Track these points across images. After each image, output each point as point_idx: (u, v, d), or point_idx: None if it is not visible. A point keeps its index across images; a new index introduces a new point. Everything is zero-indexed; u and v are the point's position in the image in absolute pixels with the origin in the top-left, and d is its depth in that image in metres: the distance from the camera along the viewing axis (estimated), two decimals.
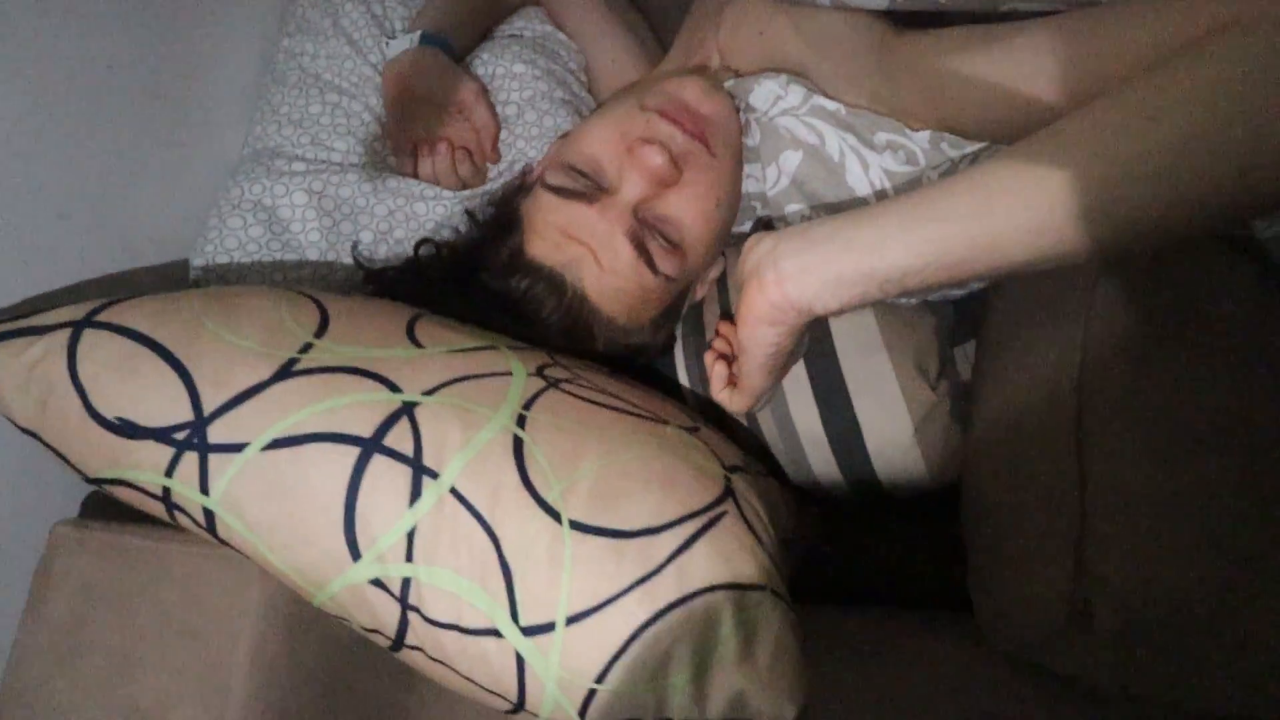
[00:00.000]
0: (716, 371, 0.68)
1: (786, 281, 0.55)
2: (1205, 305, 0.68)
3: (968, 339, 0.82)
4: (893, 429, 0.74)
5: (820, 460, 0.75)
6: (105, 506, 0.60)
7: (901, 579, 0.82)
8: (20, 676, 0.55)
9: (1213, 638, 0.59)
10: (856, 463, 0.75)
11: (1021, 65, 0.59)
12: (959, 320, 0.82)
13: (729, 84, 0.75)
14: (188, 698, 0.55)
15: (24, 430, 0.54)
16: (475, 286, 0.68)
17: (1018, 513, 0.67)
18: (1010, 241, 0.51)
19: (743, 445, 0.75)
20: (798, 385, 0.73)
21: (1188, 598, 0.59)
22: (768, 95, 0.71)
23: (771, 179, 0.71)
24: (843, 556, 0.82)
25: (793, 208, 0.71)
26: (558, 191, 0.68)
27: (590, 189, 0.68)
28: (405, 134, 0.84)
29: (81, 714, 0.55)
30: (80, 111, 0.65)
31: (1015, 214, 0.51)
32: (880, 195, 0.66)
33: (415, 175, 0.83)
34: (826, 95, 0.69)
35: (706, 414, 0.73)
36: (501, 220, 0.71)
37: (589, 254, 0.67)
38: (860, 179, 0.67)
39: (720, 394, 0.68)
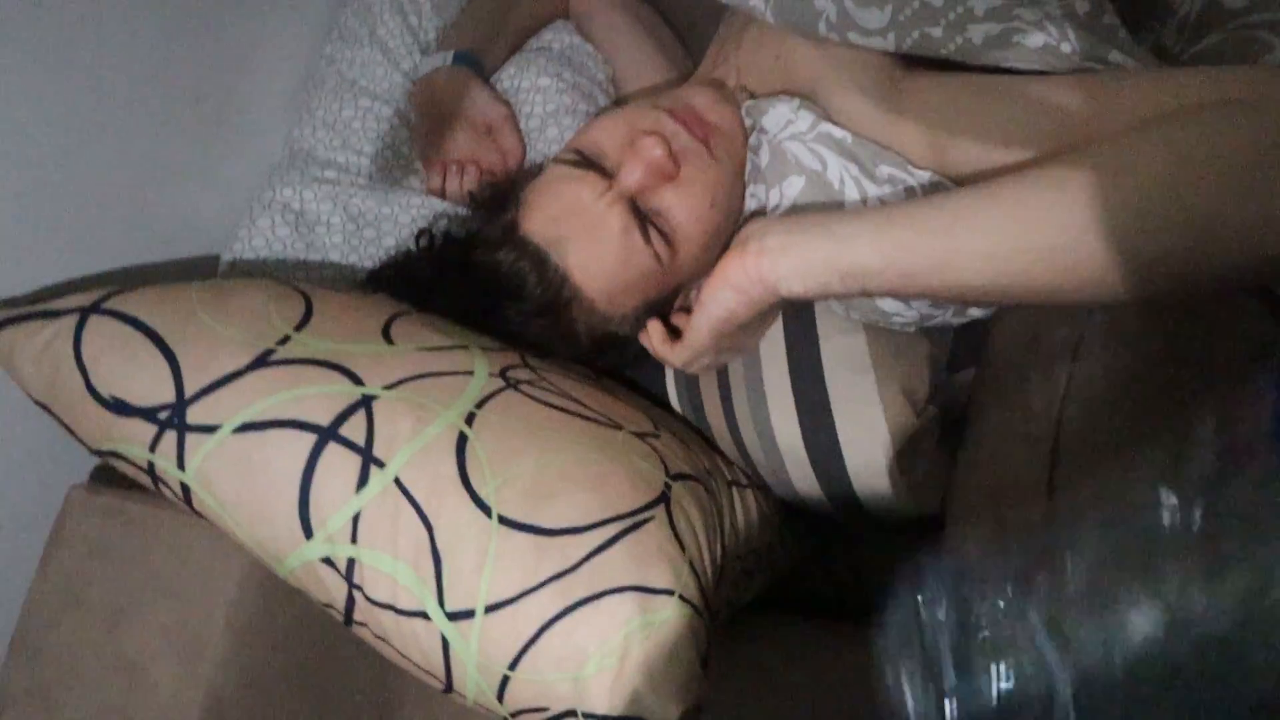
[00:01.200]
0: (653, 326, 0.70)
1: (765, 255, 0.57)
2: (1204, 347, 0.65)
3: (968, 367, 0.80)
4: (871, 448, 0.73)
5: (800, 475, 0.76)
6: (114, 474, 0.66)
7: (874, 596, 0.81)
8: (29, 621, 0.62)
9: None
10: (835, 478, 0.75)
11: (1024, 123, 0.59)
12: (960, 349, 0.80)
13: (746, 104, 0.76)
14: (169, 653, 0.61)
15: (38, 403, 0.61)
16: (463, 266, 0.71)
17: (984, 522, 0.66)
18: (962, 263, 0.53)
19: (727, 456, 0.77)
20: (781, 397, 0.74)
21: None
22: (779, 118, 0.71)
23: (774, 201, 0.72)
24: (831, 571, 0.82)
25: None
26: (559, 163, 0.71)
27: (591, 172, 0.70)
28: (435, 149, 0.88)
29: (77, 660, 0.61)
30: (127, 107, 0.71)
31: (972, 238, 0.53)
32: None
33: (441, 193, 0.87)
34: (835, 123, 0.69)
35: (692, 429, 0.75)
36: (501, 198, 0.75)
37: (579, 231, 0.68)
38: (856, 206, 0.67)
39: (660, 347, 0.70)
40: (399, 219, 0.85)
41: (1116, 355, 0.66)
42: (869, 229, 0.56)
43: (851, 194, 0.67)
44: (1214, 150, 0.46)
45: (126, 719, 0.59)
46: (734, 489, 0.71)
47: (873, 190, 0.67)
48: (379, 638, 0.57)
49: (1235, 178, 0.46)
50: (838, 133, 0.68)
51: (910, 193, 0.66)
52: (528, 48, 0.96)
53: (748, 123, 0.75)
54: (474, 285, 0.70)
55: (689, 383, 0.76)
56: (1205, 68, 0.55)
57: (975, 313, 0.76)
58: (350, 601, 0.56)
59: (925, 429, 0.74)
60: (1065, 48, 0.58)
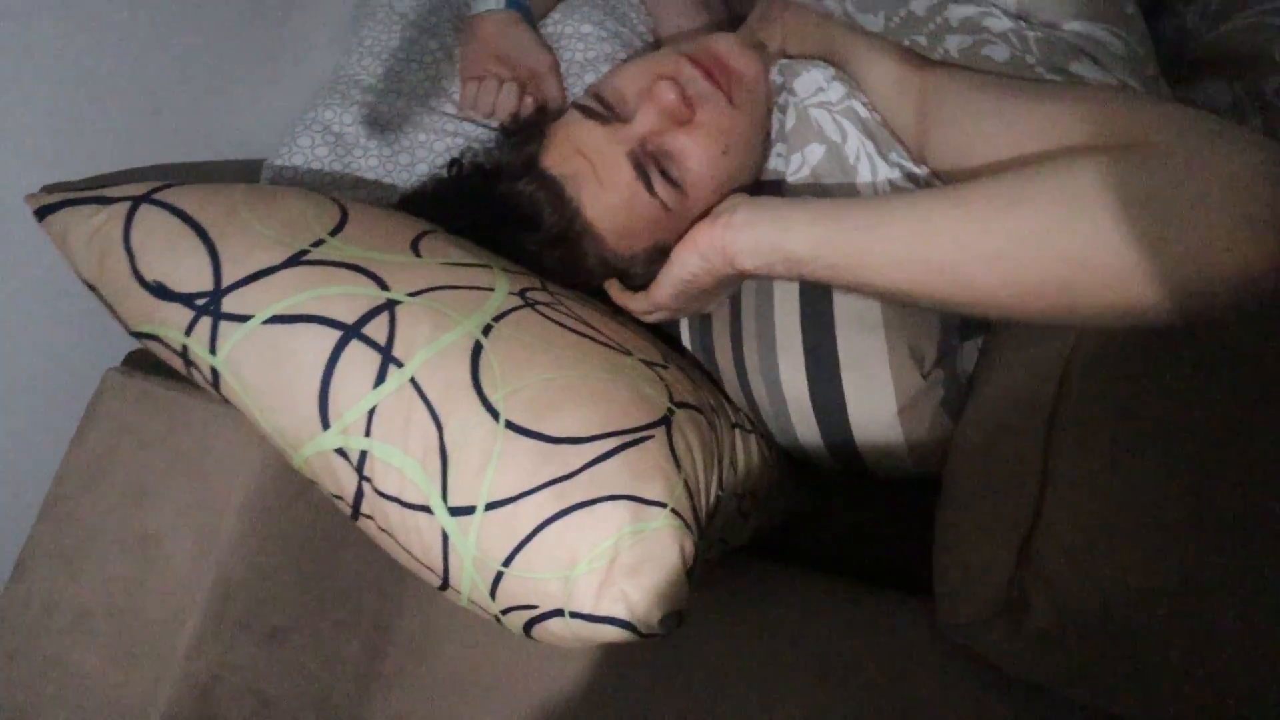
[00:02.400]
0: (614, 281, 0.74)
1: (730, 229, 0.59)
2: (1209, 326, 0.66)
3: (979, 334, 0.82)
4: (876, 406, 0.75)
5: (804, 425, 0.77)
6: (144, 359, 0.69)
7: (875, 556, 0.83)
8: (60, 490, 0.66)
9: (1137, 648, 0.58)
10: (838, 433, 0.77)
11: (991, 130, 0.60)
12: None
13: (781, 62, 0.77)
14: (184, 531, 0.64)
15: (86, 283, 0.64)
16: (486, 194, 0.74)
17: (979, 496, 0.68)
18: (873, 265, 0.58)
19: (735, 404, 0.79)
20: (791, 347, 0.76)
21: (1120, 605, 0.59)
22: (811, 84, 0.73)
23: (795, 165, 0.73)
24: (821, 522, 0.84)
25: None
26: (579, 109, 0.74)
27: (608, 115, 0.73)
28: (475, 74, 0.90)
29: (99, 531, 0.65)
30: (195, 13, 0.74)
31: (883, 244, 0.57)
32: None
33: (474, 105, 0.88)
34: (863, 100, 0.71)
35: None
36: (527, 132, 0.78)
37: (591, 171, 0.72)
38: (868, 184, 0.69)
39: (619, 295, 0.74)
40: (434, 146, 0.88)
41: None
42: (805, 220, 0.60)
43: (864, 171, 0.69)
44: (1103, 197, 0.48)
45: (140, 589, 0.63)
46: (737, 430, 0.73)
47: (884, 172, 0.68)
48: (383, 530, 0.59)
49: (1113, 227, 0.48)
50: (863, 110, 0.70)
51: (913, 180, 0.68)
52: None
53: (778, 81, 0.76)
54: (495, 213, 0.73)
55: (701, 325, 0.78)
56: (1133, 100, 0.56)
57: None
58: (359, 493, 0.59)
59: (929, 389, 0.75)
60: (1029, 59, 0.59)
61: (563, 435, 0.55)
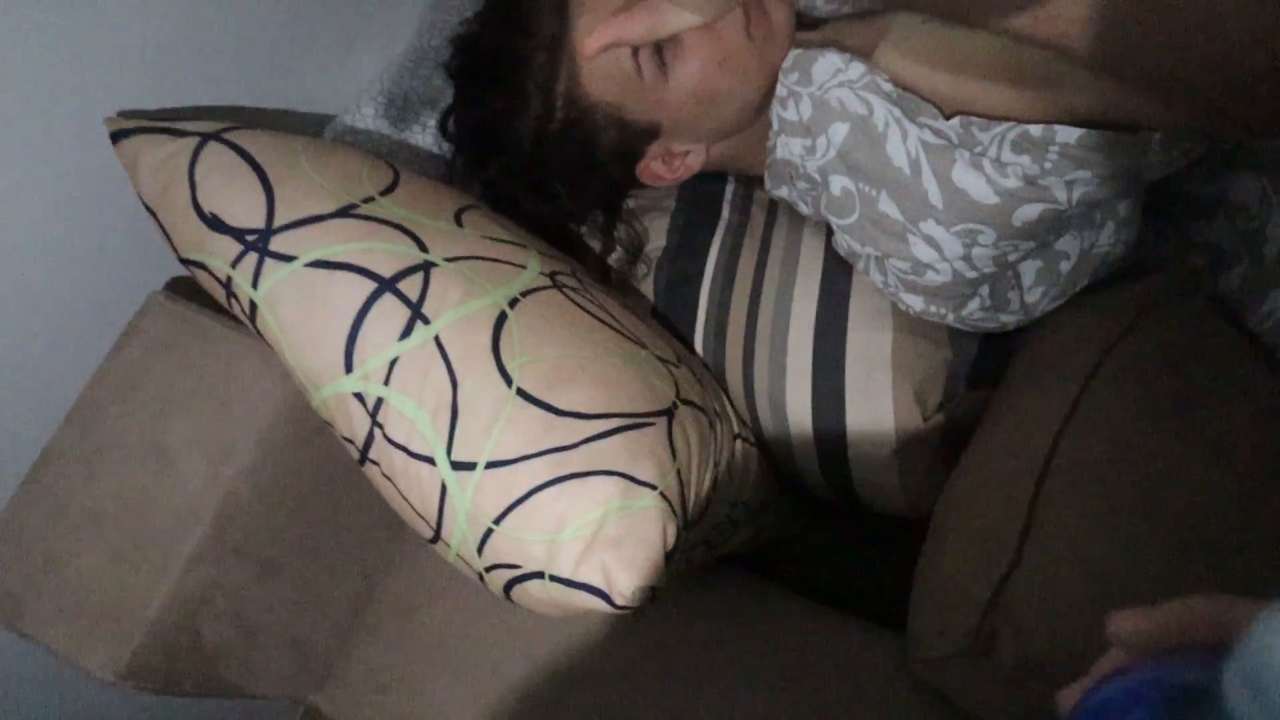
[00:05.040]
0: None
1: None
2: (1209, 402, 0.68)
3: (986, 387, 0.83)
4: (875, 443, 0.77)
5: (803, 451, 0.80)
6: (186, 289, 0.73)
7: (855, 587, 0.84)
8: (90, 395, 0.69)
9: None
10: (835, 463, 0.79)
11: None
12: (983, 366, 0.83)
13: (795, 53, 0.75)
14: (199, 450, 0.67)
15: (146, 207, 0.68)
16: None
17: (961, 538, 0.69)
18: None
19: (738, 414, 0.81)
20: (799, 374, 0.78)
21: (1087, 659, 0.60)
22: (829, 67, 0.72)
23: (821, 150, 0.73)
24: (807, 547, 0.86)
25: (837, 181, 0.72)
26: None
27: None
28: None
29: (119, 440, 0.68)
30: None
31: None
32: (914, 164, 0.68)
33: None
34: (884, 76, 0.71)
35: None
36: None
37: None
38: (899, 149, 0.68)
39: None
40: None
41: (1124, 392, 0.69)
42: None
43: (894, 138, 0.69)
44: None
45: (150, 499, 0.66)
46: (738, 440, 0.75)
47: (913, 134, 0.68)
48: (386, 477, 0.62)
49: None
50: (886, 85, 0.70)
51: (943, 137, 0.68)
52: None
53: (793, 76, 0.74)
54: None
55: (715, 334, 0.81)
56: None
57: (1005, 318, 0.77)
58: (370, 438, 0.62)
59: (929, 433, 0.77)
60: None
61: (569, 409, 0.58)
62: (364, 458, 0.63)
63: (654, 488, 0.56)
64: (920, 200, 0.68)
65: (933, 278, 0.71)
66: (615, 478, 0.56)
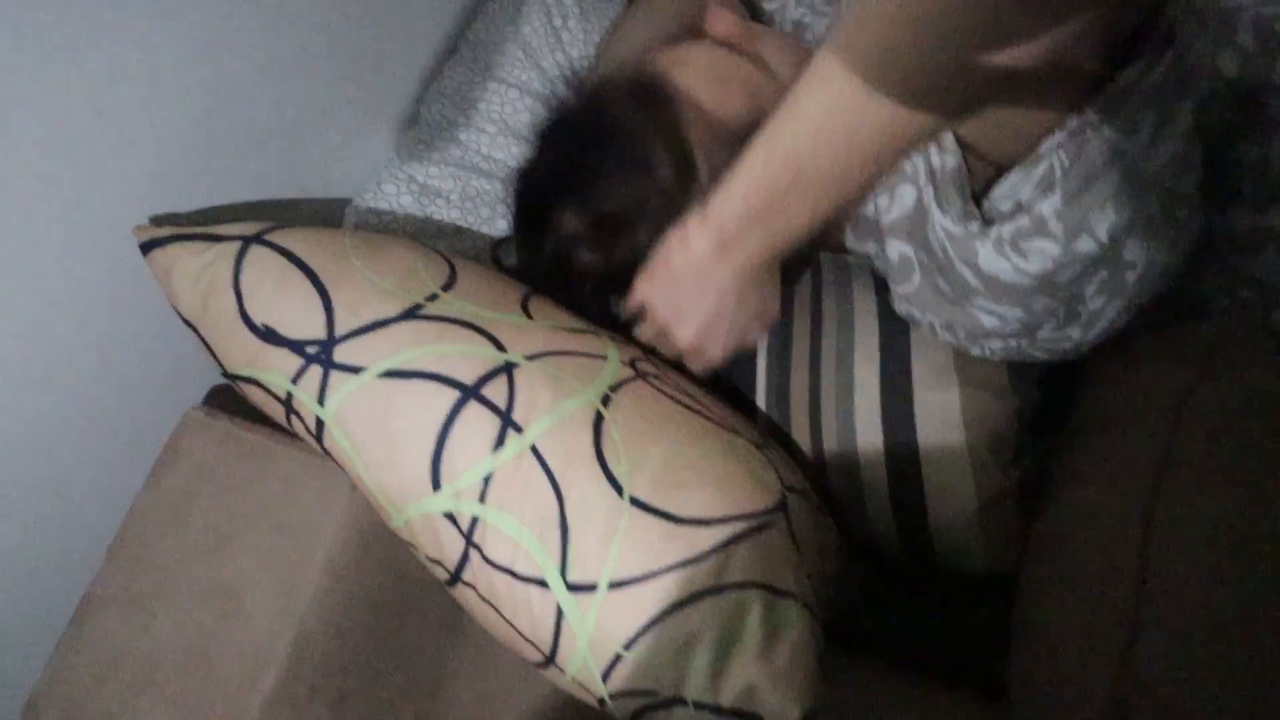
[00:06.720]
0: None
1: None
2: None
3: (1053, 429, 0.82)
4: (956, 507, 0.75)
5: (881, 518, 0.77)
6: (225, 401, 0.67)
7: (936, 652, 0.82)
8: (132, 530, 0.63)
9: None
10: (914, 530, 0.76)
11: None
12: (1046, 409, 0.82)
13: None
14: (264, 584, 0.61)
15: (184, 320, 0.62)
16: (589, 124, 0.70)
17: (1071, 604, 0.67)
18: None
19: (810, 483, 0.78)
20: (871, 442, 0.75)
21: (1220, 706, 0.58)
22: None
23: (884, 208, 0.71)
24: (884, 614, 0.83)
25: (895, 246, 0.70)
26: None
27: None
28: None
29: (174, 577, 0.62)
30: (298, 56, 0.74)
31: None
32: (944, 250, 0.67)
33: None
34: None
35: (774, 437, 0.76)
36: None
37: (674, 58, 0.69)
38: (936, 230, 0.66)
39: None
40: (511, 204, 0.88)
41: (1215, 440, 0.67)
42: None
43: (934, 216, 0.66)
44: None
45: (214, 644, 0.60)
46: (820, 512, 0.72)
47: (938, 219, 0.66)
48: (485, 600, 0.57)
49: None
50: (935, 157, 0.68)
51: (962, 221, 0.65)
52: None
53: None
54: (601, 145, 0.68)
55: (779, 399, 0.77)
56: None
57: (1066, 345, 0.75)
58: (464, 559, 0.57)
59: (1009, 490, 0.75)
60: None
61: (689, 515, 0.54)
62: (455, 580, 0.58)
63: (795, 597, 0.53)
64: (962, 283, 0.66)
65: (999, 332, 0.69)
66: (752, 590, 0.52)
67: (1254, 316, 0.80)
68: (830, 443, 0.77)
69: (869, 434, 0.75)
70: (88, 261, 0.62)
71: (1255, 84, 0.80)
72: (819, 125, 0.52)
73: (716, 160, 0.66)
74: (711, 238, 0.60)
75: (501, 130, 0.91)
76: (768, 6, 0.98)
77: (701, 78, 0.68)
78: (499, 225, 0.87)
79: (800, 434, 0.79)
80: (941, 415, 0.75)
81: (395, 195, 0.84)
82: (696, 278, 0.63)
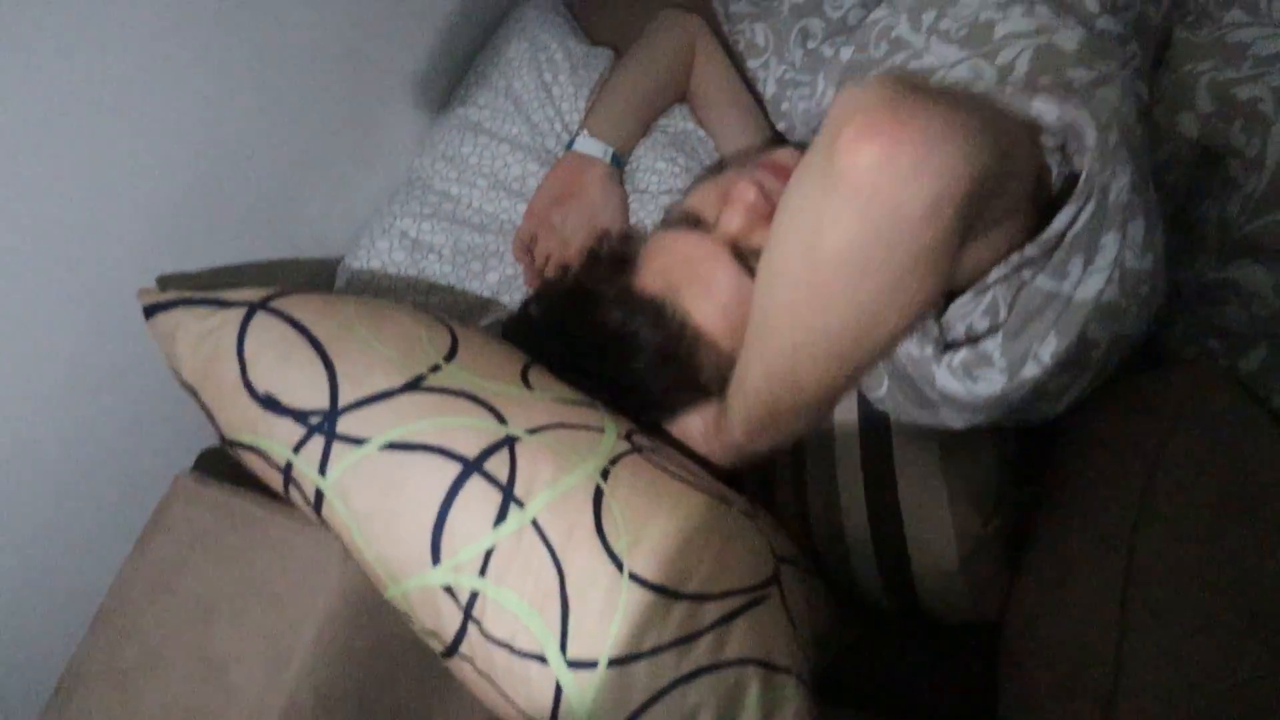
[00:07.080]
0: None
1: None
2: (1274, 493, 0.70)
3: (1031, 479, 0.84)
4: (939, 557, 0.76)
5: (865, 571, 0.78)
6: (215, 465, 0.66)
7: (924, 702, 0.83)
8: (118, 600, 0.62)
9: None
10: (898, 580, 0.78)
11: None
12: (1024, 459, 0.84)
13: None
14: (252, 656, 0.61)
15: (184, 385, 0.62)
16: (579, 324, 0.73)
17: (1049, 659, 0.69)
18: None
19: (795, 541, 0.80)
20: (854, 499, 0.77)
21: None
22: None
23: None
24: (870, 665, 0.84)
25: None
26: (668, 227, 0.76)
27: (698, 225, 0.74)
28: (544, 215, 0.89)
29: (161, 650, 0.60)
30: (293, 117, 0.74)
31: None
32: (904, 368, 0.70)
33: (529, 267, 0.89)
34: None
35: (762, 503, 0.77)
36: (616, 258, 0.78)
37: (691, 278, 0.72)
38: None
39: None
40: (505, 257, 0.89)
41: (1189, 490, 0.69)
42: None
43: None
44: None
45: (206, 717, 0.59)
46: (809, 574, 0.73)
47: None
48: (481, 673, 0.57)
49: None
50: None
51: (919, 344, 0.68)
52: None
53: None
54: (593, 347, 0.73)
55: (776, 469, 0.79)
56: None
57: (1049, 411, 0.78)
58: (462, 633, 0.57)
59: (992, 539, 0.77)
60: None
61: (688, 591, 0.55)
62: (451, 653, 0.58)
63: (790, 672, 0.54)
64: (925, 396, 0.68)
65: (970, 423, 0.71)
66: (751, 667, 0.53)
67: (1221, 364, 0.84)
68: (814, 499, 0.79)
69: (851, 487, 0.77)
70: (78, 323, 0.62)
71: (1214, 145, 0.85)
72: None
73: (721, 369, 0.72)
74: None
75: (493, 184, 0.93)
76: (752, 64, 1.02)
77: (722, 321, 0.72)
78: (490, 279, 0.88)
79: (784, 494, 0.80)
80: (922, 467, 0.77)
81: (388, 251, 0.85)
82: None
